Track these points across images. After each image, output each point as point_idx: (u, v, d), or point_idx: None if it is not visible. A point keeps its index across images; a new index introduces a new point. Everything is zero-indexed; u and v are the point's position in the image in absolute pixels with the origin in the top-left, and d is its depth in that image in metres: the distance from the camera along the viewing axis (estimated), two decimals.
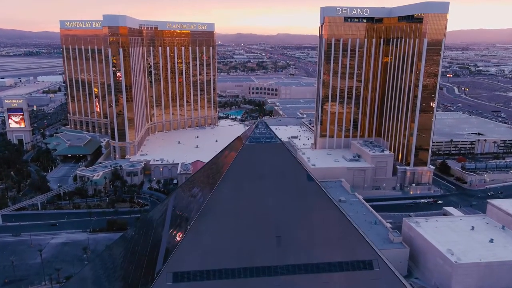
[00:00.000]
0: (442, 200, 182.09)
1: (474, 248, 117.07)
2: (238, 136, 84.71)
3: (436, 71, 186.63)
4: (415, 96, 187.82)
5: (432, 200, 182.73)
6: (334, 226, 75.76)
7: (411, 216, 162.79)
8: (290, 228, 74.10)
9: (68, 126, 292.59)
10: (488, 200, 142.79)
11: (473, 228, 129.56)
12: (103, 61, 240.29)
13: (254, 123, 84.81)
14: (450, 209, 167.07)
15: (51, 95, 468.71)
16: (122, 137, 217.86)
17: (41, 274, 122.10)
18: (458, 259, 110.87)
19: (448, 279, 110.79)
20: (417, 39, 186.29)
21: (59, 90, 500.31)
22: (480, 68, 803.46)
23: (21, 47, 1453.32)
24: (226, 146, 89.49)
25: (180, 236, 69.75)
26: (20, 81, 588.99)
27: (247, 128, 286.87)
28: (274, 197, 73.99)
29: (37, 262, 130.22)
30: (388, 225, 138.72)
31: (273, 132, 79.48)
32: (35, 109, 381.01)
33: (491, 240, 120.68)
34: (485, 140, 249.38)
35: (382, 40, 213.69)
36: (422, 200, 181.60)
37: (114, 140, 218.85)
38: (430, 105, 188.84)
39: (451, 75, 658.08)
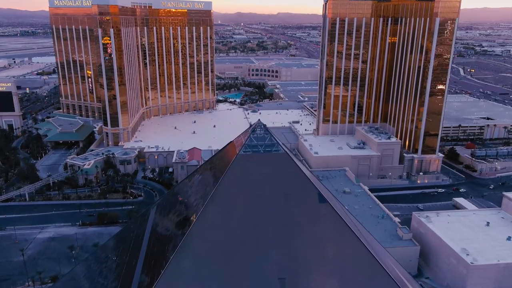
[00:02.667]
0: (450, 190, 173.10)
1: (490, 247, 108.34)
2: (231, 142, 67.85)
3: (448, 52, 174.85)
4: (425, 78, 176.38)
5: (453, 188, 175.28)
6: (358, 264, 56.93)
7: (419, 208, 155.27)
8: (298, 270, 55.09)
9: (61, 110, 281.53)
10: (504, 193, 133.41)
11: (488, 223, 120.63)
12: (95, 42, 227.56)
13: (251, 125, 68.22)
14: (460, 200, 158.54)
15: (45, 77, 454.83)
16: (115, 122, 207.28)
17: (26, 273, 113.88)
18: (474, 259, 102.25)
19: (463, 281, 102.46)
20: (428, 18, 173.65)
21: (54, 72, 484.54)
22: (485, 48, 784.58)
23: (17, 27, 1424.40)
24: (216, 154, 74.44)
25: (155, 275, 52.96)
26: (14, 62, 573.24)
27: (246, 112, 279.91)
28: (277, 228, 55.40)
29: (22, 259, 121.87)
30: (397, 219, 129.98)
31: (275, 137, 62.63)
32: (28, 91, 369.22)
33: (509, 238, 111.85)
34: (494, 125, 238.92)
35: (389, 19, 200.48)
36: (439, 190, 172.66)
37: (107, 126, 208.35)
38: (441, 87, 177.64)
39: (456, 56, 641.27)
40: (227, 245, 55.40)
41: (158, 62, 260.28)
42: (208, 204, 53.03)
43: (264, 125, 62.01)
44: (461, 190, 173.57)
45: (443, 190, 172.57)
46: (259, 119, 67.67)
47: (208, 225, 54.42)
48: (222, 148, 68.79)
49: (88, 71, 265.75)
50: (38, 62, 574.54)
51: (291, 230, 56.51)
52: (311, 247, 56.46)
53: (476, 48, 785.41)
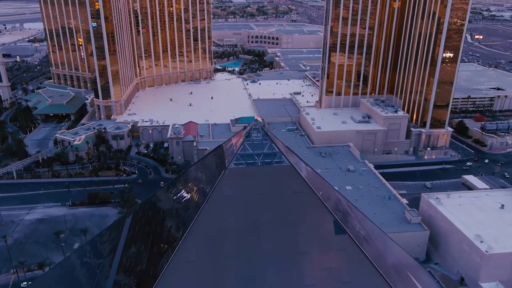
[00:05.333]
0: (458, 167, 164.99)
1: (506, 233, 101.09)
2: (219, 146, 52.29)
3: (463, 16, 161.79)
4: (437, 45, 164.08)
5: (474, 158, 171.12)
6: None
7: (427, 187, 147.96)
8: None
9: (52, 81, 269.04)
10: None
11: (502, 206, 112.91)
12: (84, 7, 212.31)
13: (245, 127, 51.42)
14: (470, 177, 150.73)
15: (36, 44, 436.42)
16: (106, 94, 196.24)
17: (11, 259, 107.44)
18: (489, 247, 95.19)
19: (476, 270, 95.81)
20: None
21: (46, 38, 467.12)
22: (493, 13, 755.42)
23: None
24: (200, 162, 59.14)
25: None
26: (5, 28, 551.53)
27: (245, 83, 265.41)
28: (277, 265, 40.89)
29: (8, 243, 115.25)
30: (404, 201, 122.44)
31: (276, 144, 47.30)
32: (18, 60, 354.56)
33: None
34: (505, 96, 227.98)
35: None
36: (447, 166, 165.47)
37: (98, 98, 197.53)
38: (454, 55, 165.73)
39: None
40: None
41: (152, 29, 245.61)
42: (187, 238, 39.44)
43: (263, 127, 47.16)
44: (468, 163, 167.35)
45: (474, 159, 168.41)
46: (256, 118, 53.94)
47: (186, 258, 41.00)
48: (208, 154, 56.48)
49: (79, 39, 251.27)
50: (30, 28, 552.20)
51: (298, 279, 42.17)
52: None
53: (484, 12, 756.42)
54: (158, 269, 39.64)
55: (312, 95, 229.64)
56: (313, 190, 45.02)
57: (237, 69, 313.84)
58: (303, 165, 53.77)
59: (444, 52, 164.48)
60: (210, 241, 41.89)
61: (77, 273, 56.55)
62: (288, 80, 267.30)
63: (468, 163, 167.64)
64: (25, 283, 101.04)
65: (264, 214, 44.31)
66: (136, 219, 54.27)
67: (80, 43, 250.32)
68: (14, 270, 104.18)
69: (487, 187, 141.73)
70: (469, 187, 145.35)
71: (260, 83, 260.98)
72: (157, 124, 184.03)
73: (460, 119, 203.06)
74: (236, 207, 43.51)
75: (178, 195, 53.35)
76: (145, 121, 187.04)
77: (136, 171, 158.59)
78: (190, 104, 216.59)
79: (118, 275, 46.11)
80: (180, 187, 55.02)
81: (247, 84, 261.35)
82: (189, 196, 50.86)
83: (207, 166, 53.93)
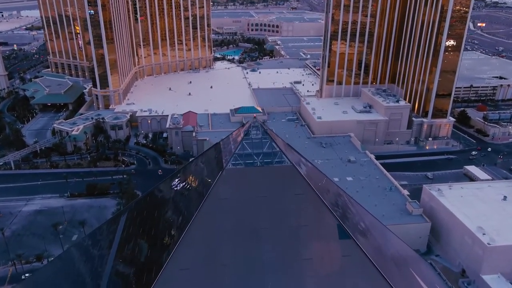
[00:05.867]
0: (458, 157, 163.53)
1: (509, 225, 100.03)
2: (218, 143, 49.27)
3: (467, 3, 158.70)
4: (440, 33, 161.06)
5: (477, 147, 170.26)
6: None
7: (428, 177, 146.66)
8: None
9: (49, 69, 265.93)
10: None
11: (505, 198, 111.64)
12: None
13: (243, 124, 49.83)
14: (472, 168, 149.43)
15: (34, 32, 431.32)
16: (104, 84, 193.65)
17: (9, 252, 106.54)
18: (492, 240, 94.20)
19: (478, 262, 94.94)
20: None
21: (43, 26, 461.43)
22: (496, 0, 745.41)
23: None
24: (196, 160, 55.93)
25: None
26: (2, 16, 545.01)
27: (245, 72, 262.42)
28: (277, 273, 38.22)
29: (6, 235, 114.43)
30: (405, 192, 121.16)
31: (276, 142, 44.12)
32: (15, 48, 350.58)
33: None
34: (508, 85, 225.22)
35: None
36: (451, 156, 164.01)
37: (96, 88, 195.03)
38: (457, 43, 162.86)
39: None
40: None
41: (151, 17, 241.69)
42: (181, 245, 36.40)
43: (262, 124, 43.67)
44: (473, 153, 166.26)
45: (477, 148, 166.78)
46: (254, 116, 51.05)
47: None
48: (203, 153, 52.92)
49: (76, 27, 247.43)
50: (27, 16, 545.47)
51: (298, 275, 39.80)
52: None
53: None
54: (151, 277, 37.49)
55: (312, 84, 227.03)
56: (316, 192, 42.33)
57: (236, 57, 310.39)
58: (305, 164, 50.75)
59: (447, 40, 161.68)
60: (205, 247, 39.27)
61: (72, 269, 55.30)
62: (288, 68, 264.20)
63: (473, 152, 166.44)
64: (27, 274, 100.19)
65: (263, 219, 41.25)
66: (128, 224, 51.51)
67: (78, 31, 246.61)
68: (12, 262, 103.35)
69: (489, 178, 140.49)
70: (471, 177, 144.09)
71: (260, 72, 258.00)
72: (156, 114, 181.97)
73: (462, 108, 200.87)
74: (233, 211, 40.42)
75: (171, 198, 50.28)
76: (144, 111, 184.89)
77: (135, 162, 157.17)
78: (189, 94, 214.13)
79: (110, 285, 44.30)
80: (174, 189, 51.93)
81: (247, 73, 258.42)
82: (183, 199, 47.81)
83: (202, 166, 50.80)
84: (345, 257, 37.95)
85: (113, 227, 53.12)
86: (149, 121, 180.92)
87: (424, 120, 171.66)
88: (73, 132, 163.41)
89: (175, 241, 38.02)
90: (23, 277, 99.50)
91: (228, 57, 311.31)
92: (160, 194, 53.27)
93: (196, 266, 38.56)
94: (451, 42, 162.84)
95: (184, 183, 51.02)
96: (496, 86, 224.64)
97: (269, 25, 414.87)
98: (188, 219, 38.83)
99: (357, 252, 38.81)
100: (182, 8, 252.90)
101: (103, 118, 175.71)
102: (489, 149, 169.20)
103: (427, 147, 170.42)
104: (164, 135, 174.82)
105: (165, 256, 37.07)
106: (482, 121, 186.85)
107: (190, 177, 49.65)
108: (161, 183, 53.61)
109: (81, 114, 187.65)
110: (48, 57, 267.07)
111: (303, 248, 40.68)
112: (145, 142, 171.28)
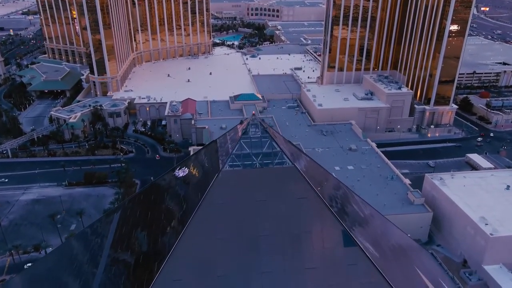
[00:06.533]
0: (462, 144, 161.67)
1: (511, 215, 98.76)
2: (214, 141, 45.38)
3: None
4: (444, 18, 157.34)
5: (481, 133, 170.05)
6: None
7: (430, 166, 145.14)
8: None
9: (46, 55, 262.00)
10: None
11: (508, 187, 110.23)
12: None
13: (241, 122, 43.40)
14: (474, 156, 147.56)
15: (30, 17, 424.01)
16: (101, 70, 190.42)
17: (6, 242, 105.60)
18: (494, 230, 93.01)
19: (481, 253, 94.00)
20: None
21: (39, 11, 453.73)
22: None
23: None
24: (192, 158, 52.14)
25: None
26: None
27: (245, 57, 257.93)
28: (278, 283, 36.04)
29: (4, 225, 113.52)
30: (407, 181, 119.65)
31: (277, 142, 40.64)
32: (11, 33, 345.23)
33: None
34: None
35: None
36: (456, 144, 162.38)
37: (93, 74, 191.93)
38: (462, 28, 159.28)
39: None
40: None
41: (148, 1, 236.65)
42: (174, 255, 34.04)
43: (260, 123, 39.85)
44: (478, 139, 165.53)
45: (460, 145, 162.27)
46: (253, 113, 48.90)
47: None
48: (198, 153, 48.96)
49: (72, 11, 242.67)
50: (23, 0, 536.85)
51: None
52: None
53: None
54: None
55: (313, 71, 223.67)
56: (320, 196, 39.31)
57: (236, 43, 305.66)
58: (308, 164, 47.31)
59: (451, 25, 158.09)
60: (200, 256, 36.44)
61: (68, 263, 53.87)
62: (289, 54, 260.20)
63: (478, 139, 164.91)
64: (29, 264, 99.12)
65: (263, 224, 38.01)
66: (118, 230, 48.89)
67: (74, 16, 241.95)
68: (10, 252, 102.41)
69: (492, 166, 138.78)
70: (473, 166, 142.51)
71: (260, 58, 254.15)
72: (155, 101, 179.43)
73: (464, 95, 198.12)
74: (230, 217, 37.09)
75: (163, 203, 46.77)
76: (142, 98, 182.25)
77: (133, 149, 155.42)
78: (188, 80, 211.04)
79: None
80: (166, 193, 48.09)
81: (247, 59, 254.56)
82: (176, 205, 44.15)
83: (197, 168, 46.45)
84: (352, 266, 35.95)
85: (105, 227, 51.15)
86: (147, 109, 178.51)
87: (427, 107, 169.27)
88: (71, 120, 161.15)
89: (167, 250, 35.30)
90: (25, 266, 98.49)
91: (228, 42, 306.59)
92: (151, 197, 50.10)
93: (190, 277, 35.74)
94: (455, 27, 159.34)
95: (177, 188, 47.50)
96: (500, 72, 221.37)
97: (269, 10, 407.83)
98: (182, 226, 36.23)
99: (365, 261, 36.81)
100: None
101: (101, 106, 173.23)
102: (492, 134, 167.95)
103: (429, 135, 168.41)
104: (163, 122, 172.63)
105: (157, 267, 34.84)
106: (485, 108, 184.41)
107: (184, 181, 45.69)
108: (151, 184, 50.50)
109: (79, 101, 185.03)
110: (44, 42, 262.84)
111: (305, 257, 37.98)
112: (143, 129, 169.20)
